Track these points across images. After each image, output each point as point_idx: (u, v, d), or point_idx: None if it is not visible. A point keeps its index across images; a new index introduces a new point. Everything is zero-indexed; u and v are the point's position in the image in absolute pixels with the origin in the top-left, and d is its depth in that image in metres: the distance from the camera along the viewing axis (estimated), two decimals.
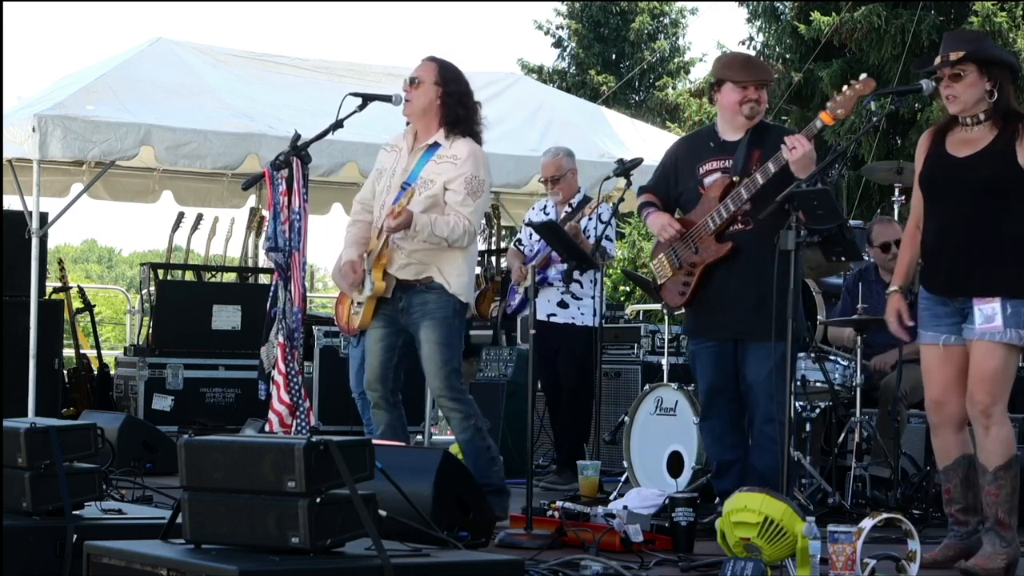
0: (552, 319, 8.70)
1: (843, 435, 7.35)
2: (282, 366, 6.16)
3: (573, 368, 8.72)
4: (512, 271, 9.10)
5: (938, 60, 5.59)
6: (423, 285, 6.40)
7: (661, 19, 29.93)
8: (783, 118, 18.88)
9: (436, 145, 6.44)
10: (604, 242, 8.51)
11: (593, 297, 8.63)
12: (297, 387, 6.18)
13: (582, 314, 8.72)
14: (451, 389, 6.37)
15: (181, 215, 12.23)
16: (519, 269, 8.91)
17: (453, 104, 6.43)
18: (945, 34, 5.93)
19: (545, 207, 9.01)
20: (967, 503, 5.65)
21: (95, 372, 11.14)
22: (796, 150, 6.05)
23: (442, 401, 6.42)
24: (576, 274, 8.18)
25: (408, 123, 6.57)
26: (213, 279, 12.29)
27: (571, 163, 8.92)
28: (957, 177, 5.57)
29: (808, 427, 7.36)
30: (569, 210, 8.68)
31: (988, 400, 5.44)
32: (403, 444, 6.34)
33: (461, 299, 6.42)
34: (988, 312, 5.42)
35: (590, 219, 8.53)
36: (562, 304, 8.73)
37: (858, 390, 7.33)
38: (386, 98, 6.45)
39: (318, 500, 4.16)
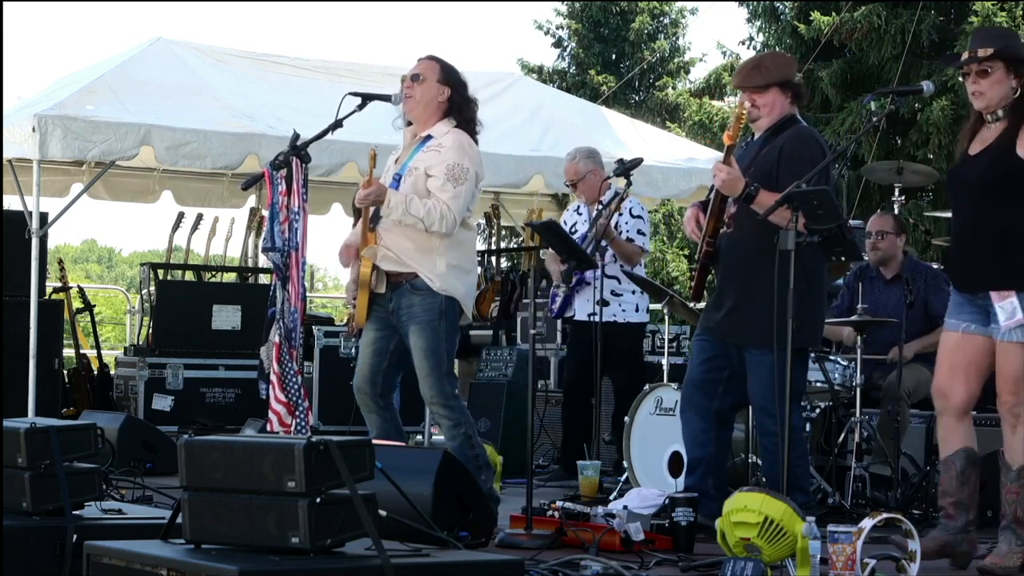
0: (593, 319, 8.63)
1: (843, 435, 7.35)
2: (276, 366, 6.16)
3: (625, 366, 8.72)
4: (552, 274, 9.02)
5: (965, 55, 5.59)
6: (409, 283, 6.31)
7: (661, 19, 29.83)
8: None
9: (429, 137, 6.40)
10: (637, 236, 8.63)
11: (633, 292, 8.67)
12: (296, 387, 6.17)
13: (623, 311, 8.71)
14: (441, 395, 6.28)
15: (181, 215, 12.22)
16: (559, 272, 8.81)
17: (456, 106, 6.42)
18: (974, 30, 5.94)
19: (579, 207, 9.01)
20: (959, 498, 5.62)
21: (95, 372, 11.14)
22: (716, 177, 6.14)
23: (432, 407, 6.37)
24: (589, 274, 8.29)
25: (407, 124, 6.54)
26: (213, 279, 12.28)
27: (590, 164, 8.88)
28: (964, 174, 5.62)
29: (808, 427, 7.36)
30: (600, 207, 8.66)
31: (1013, 399, 5.47)
32: (403, 444, 6.32)
33: (449, 296, 6.30)
34: (1008, 308, 5.45)
35: (621, 215, 8.55)
36: (602, 302, 8.66)
37: (858, 390, 7.33)
38: (385, 97, 6.43)
39: (318, 500, 4.16)
